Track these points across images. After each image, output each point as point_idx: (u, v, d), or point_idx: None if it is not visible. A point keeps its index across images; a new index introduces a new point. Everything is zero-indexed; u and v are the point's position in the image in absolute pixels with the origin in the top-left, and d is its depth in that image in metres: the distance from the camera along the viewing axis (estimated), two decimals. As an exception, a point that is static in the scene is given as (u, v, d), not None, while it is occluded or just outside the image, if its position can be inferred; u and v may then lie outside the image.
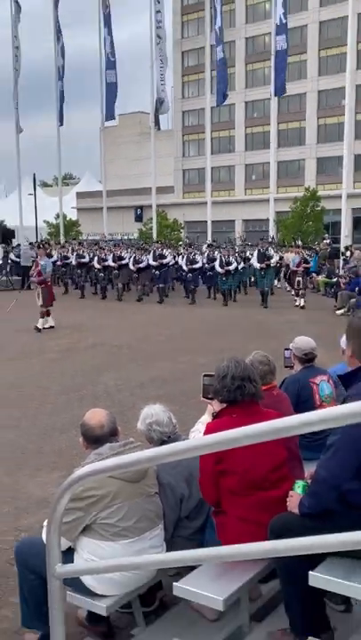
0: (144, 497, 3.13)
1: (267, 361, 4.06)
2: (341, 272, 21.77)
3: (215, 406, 3.35)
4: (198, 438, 3.08)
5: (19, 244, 29.89)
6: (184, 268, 21.78)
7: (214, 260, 21.36)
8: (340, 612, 3.08)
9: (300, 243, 27.03)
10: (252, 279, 22.85)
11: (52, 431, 7.24)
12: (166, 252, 22.92)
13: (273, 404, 3.53)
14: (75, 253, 24.39)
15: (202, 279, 22.58)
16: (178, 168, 61.96)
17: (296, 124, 54.42)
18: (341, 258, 25.63)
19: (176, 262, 23.29)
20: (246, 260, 21.88)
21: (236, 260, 21.08)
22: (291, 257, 21.36)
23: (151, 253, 22.07)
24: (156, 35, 31.78)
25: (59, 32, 34.49)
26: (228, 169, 58.79)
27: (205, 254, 23.22)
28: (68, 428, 6.96)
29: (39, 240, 31.93)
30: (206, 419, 3.72)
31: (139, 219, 56.97)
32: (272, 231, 33.14)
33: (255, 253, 20.80)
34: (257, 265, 20.09)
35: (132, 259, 21.96)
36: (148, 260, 21.62)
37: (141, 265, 21.66)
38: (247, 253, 22.90)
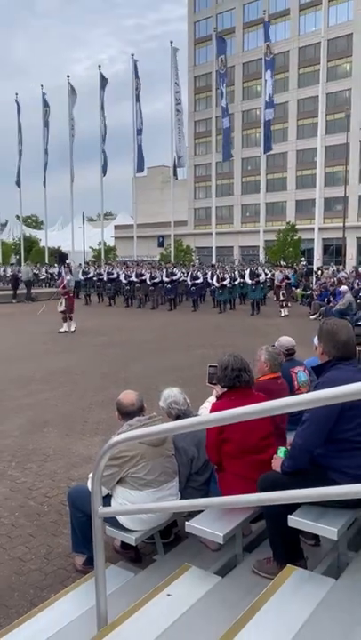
0: (164, 457, 3.13)
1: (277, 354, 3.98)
2: (314, 286, 21.64)
3: (218, 390, 3.34)
4: (206, 415, 3.08)
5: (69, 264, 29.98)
6: (188, 283, 21.45)
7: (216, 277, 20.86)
8: (310, 545, 3.06)
9: (283, 263, 26.95)
10: (247, 293, 21.91)
11: (94, 406, 7.22)
12: (176, 270, 22.38)
13: (278, 392, 3.42)
14: (106, 271, 24.03)
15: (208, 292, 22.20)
16: (190, 207, 61.83)
17: (280, 175, 54.11)
18: (314, 276, 25.46)
19: (185, 280, 22.64)
20: (242, 276, 21.28)
21: (230, 277, 20.57)
22: (277, 274, 20.99)
23: (164, 271, 21.62)
24: (175, 109, 31.97)
25: (102, 109, 34.68)
26: (228, 208, 58.56)
27: (209, 273, 22.75)
28: (107, 403, 6.93)
29: (85, 261, 32.00)
30: (212, 399, 3.70)
31: (161, 245, 56.92)
32: (262, 255, 32.98)
33: (247, 272, 20.41)
34: (249, 281, 19.72)
35: (148, 275, 21.59)
36: (162, 276, 21.23)
37: (156, 280, 21.30)
38: (242, 271, 22.00)
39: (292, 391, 4.31)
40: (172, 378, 7.97)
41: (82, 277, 24.11)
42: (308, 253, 40.24)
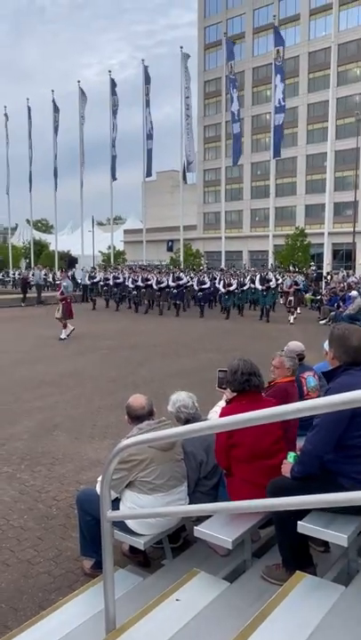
0: (173, 462, 3.12)
1: (293, 357, 4.00)
2: (324, 291, 21.53)
3: (228, 395, 3.33)
4: (215, 419, 3.07)
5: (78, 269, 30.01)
6: (195, 288, 21.14)
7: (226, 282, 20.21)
8: (320, 552, 3.04)
9: (292, 268, 26.77)
10: (258, 299, 21.26)
11: (102, 409, 7.22)
12: (183, 275, 22.12)
13: (293, 396, 3.43)
14: (112, 275, 23.68)
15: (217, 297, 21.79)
16: (200, 212, 61.92)
17: (289, 180, 54.06)
18: (324, 280, 25.37)
19: (192, 285, 22.16)
20: (253, 282, 20.70)
21: (238, 282, 20.10)
22: (285, 280, 20.47)
23: (171, 276, 21.29)
24: (185, 114, 32.14)
25: (114, 113, 34.88)
26: (238, 212, 58.58)
27: (218, 278, 22.30)
28: (115, 407, 6.93)
29: (92, 266, 32.00)
30: (222, 404, 3.69)
31: (170, 249, 57.01)
32: (271, 259, 32.94)
33: (257, 277, 19.94)
34: (259, 287, 19.31)
35: (154, 280, 21.13)
36: (168, 281, 20.86)
37: (162, 285, 20.87)
38: (253, 276, 21.44)
39: (301, 396, 4.29)
40: (181, 382, 7.94)
41: (88, 282, 24.00)
42: (318, 258, 40.09)
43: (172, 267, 30.70)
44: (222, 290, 19.94)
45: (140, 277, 21.78)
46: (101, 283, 23.91)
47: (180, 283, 20.95)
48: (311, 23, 52.18)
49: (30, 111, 39.97)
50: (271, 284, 19.37)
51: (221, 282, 20.24)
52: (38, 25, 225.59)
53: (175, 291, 20.69)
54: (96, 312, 21.45)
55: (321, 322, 17.44)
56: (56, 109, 37.97)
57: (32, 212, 43.48)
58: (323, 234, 28.91)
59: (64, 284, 14.14)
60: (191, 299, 22.90)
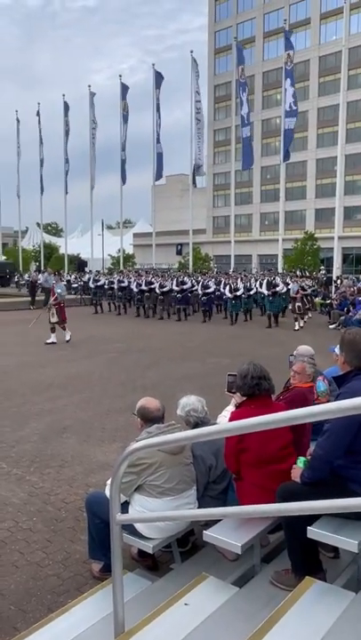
0: (182, 465, 3.12)
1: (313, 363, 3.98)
2: (334, 295, 21.44)
3: (237, 399, 3.33)
4: (225, 423, 3.06)
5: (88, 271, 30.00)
6: (199, 292, 20.32)
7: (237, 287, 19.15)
8: (330, 557, 3.02)
9: (298, 273, 26.55)
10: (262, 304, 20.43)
11: (112, 412, 7.23)
12: (187, 279, 21.36)
13: (310, 403, 3.43)
14: (116, 279, 23.04)
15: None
16: (209, 215, 62.00)
17: (299, 184, 53.99)
18: (334, 285, 25.27)
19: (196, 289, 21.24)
20: (261, 285, 19.90)
21: (244, 286, 19.36)
22: (292, 285, 19.20)
23: (174, 280, 20.58)
24: (195, 118, 32.23)
25: (124, 118, 35.06)
26: (247, 216, 58.57)
27: (223, 282, 21.32)
28: (124, 410, 6.95)
29: (97, 270, 32.01)
30: (231, 408, 3.69)
31: (179, 253, 57.14)
32: (280, 263, 32.89)
33: (265, 282, 18.96)
34: (266, 292, 18.45)
35: (157, 284, 20.57)
36: (172, 285, 20.19)
37: (165, 289, 20.24)
38: (261, 280, 20.76)
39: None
40: (189, 386, 7.93)
41: (92, 285, 23.64)
42: (328, 262, 39.97)
43: (172, 270, 30.41)
44: (228, 295, 18.99)
45: (143, 281, 21.38)
46: (106, 286, 23.48)
47: (185, 287, 20.27)
48: (322, 27, 52.18)
49: (40, 115, 40.30)
50: (278, 288, 18.46)
51: (228, 286, 19.37)
52: (50, 30, 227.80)
53: (179, 295, 20.05)
54: (99, 316, 21.31)
55: (331, 326, 17.37)
56: (66, 113, 38.25)
57: (42, 215, 43.80)
58: (333, 238, 28.82)
59: (58, 290, 13.82)
60: (195, 303, 22.26)
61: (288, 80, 26.65)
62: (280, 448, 3.04)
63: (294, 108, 26.28)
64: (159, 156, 33.93)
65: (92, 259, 40.48)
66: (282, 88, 28.05)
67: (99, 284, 23.43)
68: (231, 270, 30.07)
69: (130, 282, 22.51)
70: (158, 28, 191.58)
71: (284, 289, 18.92)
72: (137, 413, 3.36)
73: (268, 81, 55.77)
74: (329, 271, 32.42)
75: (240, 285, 19.31)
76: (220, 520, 2.90)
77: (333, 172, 38.03)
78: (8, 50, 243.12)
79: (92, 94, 36.10)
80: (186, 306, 20.37)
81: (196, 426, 3.35)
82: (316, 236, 42.18)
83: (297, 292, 18.06)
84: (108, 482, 3.00)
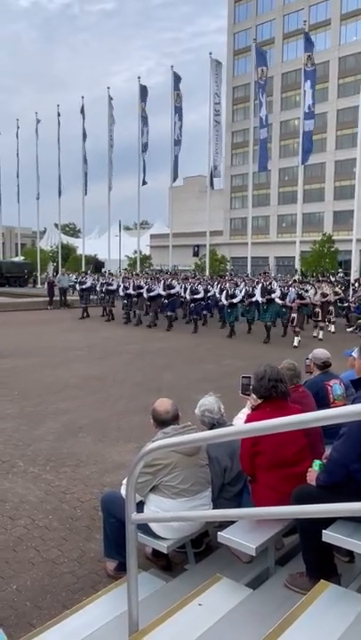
0: (197, 467, 3.13)
1: (293, 367, 4.03)
2: (351, 299, 21.23)
3: (252, 401, 3.33)
4: (241, 425, 3.08)
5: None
6: (187, 298, 17.68)
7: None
8: (345, 562, 3.01)
9: (297, 278, 21.10)
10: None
11: (127, 413, 7.27)
12: (175, 282, 18.89)
13: (299, 400, 3.51)
14: (105, 281, 20.69)
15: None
16: (227, 217, 61.95)
17: (317, 186, 53.67)
18: (351, 287, 25.01)
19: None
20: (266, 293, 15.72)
21: (246, 291, 16.13)
22: (291, 291, 15.55)
23: (161, 283, 18.07)
24: (214, 120, 32.24)
25: (143, 119, 35.18)
26: (264, 218, 58.39)
27: (215, 286, 19.48)
28: (140, 411, 6.97)
29: (83, 270, 31.86)
30: (246, 410, 3.70)
31: (196, 254, 57.22)
32: (297, 265, 32.68)
33: (258, 287, 15.81)
34: (260, 299, 15.38)
35: (145, 288, 18.23)
36: (159, 289, 17.82)
37: (153, 294, 17.93)
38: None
39: (327, 405, 4.26)
40: (205, 387, 7.89)
41: (78, 287, 21.76)
42: (346, 265, 39.63)
43: (179, 272, 29.02)
44: (224, 302, 16.27)
45: (131, 284, 19.03)
46: (98, 289, 21.59)
47: (172, 292, 17.75)
48: (342, 28, 51.85)
49: (60, 117, 40.63)
50: (274, 295, 15.26)
51: (224, 292, 16.61)
52: (69, 34, 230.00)
53: (166, 301, 17.65)
54: (84, 321, 19.43)
55: (348, 329, 17.21)
56: (85, 115, 38.52)
57: (60, 216, 44.16)
58: (351, 240, 28.55)
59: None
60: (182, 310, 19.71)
61: (308, 82, 26.49)
62: (294, 452, 3.03)
63: (313, 109, 26.13)
64: (176, 158, 34.01)
65: (109, 259, 40.73)
66: (301, 90, 27.88)
67: (84, 286, 20.99)
68: (230, 272, 29.72)
69: (119, 285, 19.94)
70: (175, 31, 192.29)
71: (279, 295, 15.33)
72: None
73: (287, 82, 55.57)
74: (347, 274, 32.13)
75: (238, 291, 16.36)
76: (234, 522, 2.90)
77: (352, 174, 37.59)
78: (27, 52, 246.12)
79: (110, 98, 36.32)
80: (172, 312, 17.87)
81: (211, 427, 3.36)
82: (333, 238, 41.87)
83: (293, 301, 14.91)
84: (124, 481, 3.03)
